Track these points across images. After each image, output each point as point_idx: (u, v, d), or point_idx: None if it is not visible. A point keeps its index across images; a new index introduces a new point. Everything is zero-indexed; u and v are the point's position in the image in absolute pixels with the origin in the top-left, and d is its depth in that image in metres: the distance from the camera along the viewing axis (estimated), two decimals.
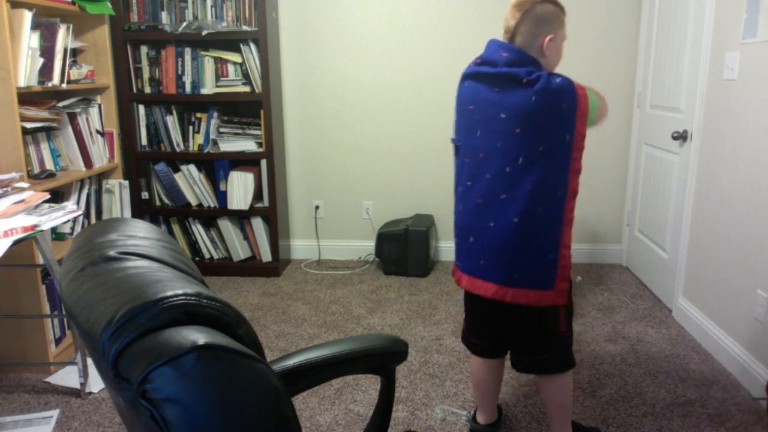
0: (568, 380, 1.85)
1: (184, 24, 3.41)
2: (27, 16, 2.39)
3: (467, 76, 1.76)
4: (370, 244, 3.95)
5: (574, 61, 3.63)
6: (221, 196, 3.60)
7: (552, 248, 1.68)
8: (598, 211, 3.83)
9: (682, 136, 2.94)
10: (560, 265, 1.69)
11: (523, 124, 1.61)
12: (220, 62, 3.49)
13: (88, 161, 2.89)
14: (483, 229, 1.72)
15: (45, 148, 2.73)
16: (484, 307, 1.89)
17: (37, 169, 2.65)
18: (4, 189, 2.28)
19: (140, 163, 3.65)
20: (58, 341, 2.64)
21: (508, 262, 1.70)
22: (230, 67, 3.50)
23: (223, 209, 3.62)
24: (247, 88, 3.49)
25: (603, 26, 3.58)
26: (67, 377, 2.47)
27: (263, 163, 3.55)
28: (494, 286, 1.73)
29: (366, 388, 2.40)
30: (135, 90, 3.55)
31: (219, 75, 3.51)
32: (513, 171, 1.65)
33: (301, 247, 4.04)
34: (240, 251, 3.71)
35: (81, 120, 2.86)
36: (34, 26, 2.46)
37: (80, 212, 2.32)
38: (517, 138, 1.62)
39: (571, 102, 1.60)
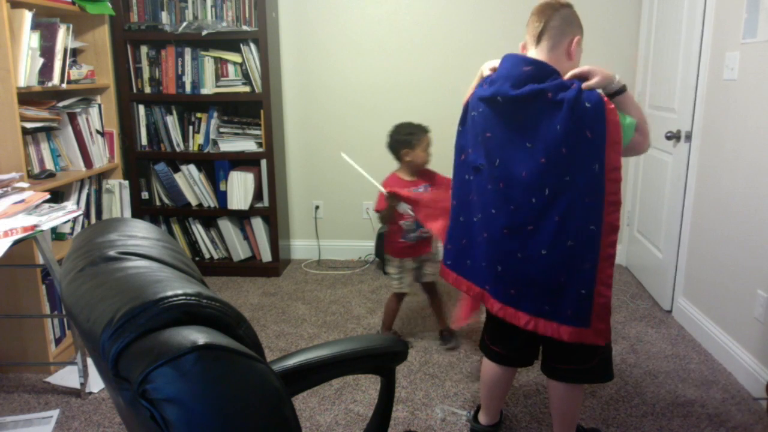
0: (582, 393, 1.84)
1: (184, 24, 3.41)
2: (27, 16, 2.39)
3: (481, 100, 1.66)
4: (370, 244, 3.95)
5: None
6: (221, 196, 3.60)
7: (584, 284, 1.58)
8: None
9: (675, 136, 2.95)
10: (596, 303, 1.57)
11: (549, 154, 1.54)
12: (220, 62, 3.49)
13: (88, 161, 2.89)
14: (510, 260, 1.66)
15: (45, 148, 2.73)
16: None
17: (37, 169, 2.65)
18: (4, 189, 2.27)
19: (140, 163, 3.65)
20: (58, 341, 2.64)
21: (536, 294, 1.64)
22: (230, 67, 3.50)
23: (223, 209, 3.62)
24: (247, 88, 3.49)
25: (603, 26, 3.58)
26: (67, 377, 2.46)
27: (263, 163, 3.55)
28: (526, 315, 1.67)
29: (366, 388, 2.40)
30: (135, 90, 3.55)
31: (219, 75, 3.51)
32: (539, 202, 1.58)
33: (301, 247, 4.03)
34: (240, 251, 3.71)
35: (81, 120, 2.86)
36: (34, 26, 2.46)
37: (80, 212, 2.32)
38: (542, 167, 1.55)
39: (599, 129, 1.49)
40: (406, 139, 2.57)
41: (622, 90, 1.61)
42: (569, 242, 1.57)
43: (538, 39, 1.66)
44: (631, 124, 1.58)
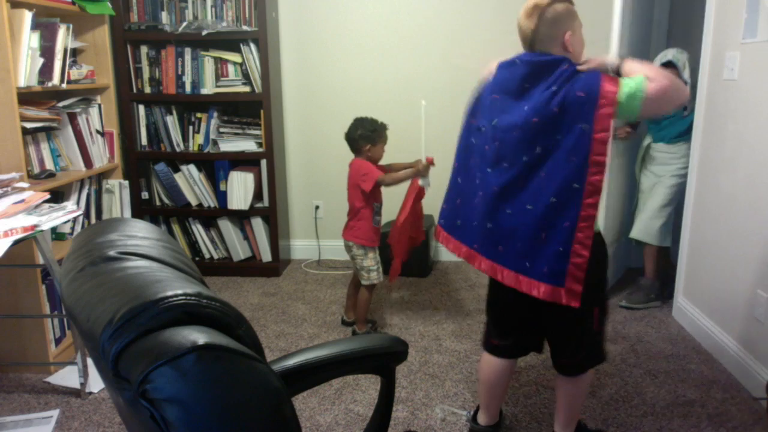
0: (587, 383, 1.87)
1: (184, 24, 3.41)
2: (27, 16, 2.39)
3: (491, 91, 1.74)
4: None
5: None
6: (221, 196, 3.60)
7: (561, 241, 1.60)
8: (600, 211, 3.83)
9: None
10: (572, 261, 1.60)
11: (540, 114, 1.60)
12: (220, 62, 3.49)
13: (88, 161, 2.89)
14: (500, 215, 1.71)
15: (45, 148, 2.72)
16: (514, 301, 1.83)
17: (37, 169, 2.65)
18: (4, 189, 2.27)
19: (140, 163, 3.65)
20: (58, 341, 2.64)
21: (519, 249, 1.68)
22: (230, 67, 3.50)
23: (223, 209, 3.61)
24: (247, 88, 3.49)
25: (603, 25, 3.58)
26: (67, 377, 2.46)
27: (263, 163, 3.55)
28: (510, 272, 1.71)
29: (366, 388, 2.40)
30: (135, 90, 3.55)
31: (219, 75, 3.51)
32: (530, 159, 1.64)
33: (301, 247, 4.03)
34: (240, 251, 3.71)
35: (81, 120, 2.85)
36: (34, 26, 2.46)
37: (80, 212, 2.32)
38: (535, 126, 1.61)
39: (590, 93, 1.56)
40: (369, 135, 2.72)
41: (619, 67, 1.68)
42: (552, 198, 1.62)
43: (531, 48, 1.71)
44: (639, 81, 1.55)
